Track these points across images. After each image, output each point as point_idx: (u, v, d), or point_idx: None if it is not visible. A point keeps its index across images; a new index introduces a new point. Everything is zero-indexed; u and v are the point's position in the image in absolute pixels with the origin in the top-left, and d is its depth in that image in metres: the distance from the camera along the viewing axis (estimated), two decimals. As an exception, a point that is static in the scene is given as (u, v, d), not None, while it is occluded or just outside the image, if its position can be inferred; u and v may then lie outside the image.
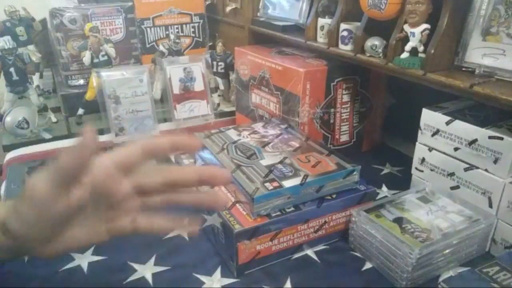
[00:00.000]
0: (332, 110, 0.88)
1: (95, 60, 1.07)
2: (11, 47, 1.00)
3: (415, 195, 0.68)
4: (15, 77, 1.01)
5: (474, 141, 0.61)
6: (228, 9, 1.20)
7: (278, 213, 0.59)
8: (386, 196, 0.76)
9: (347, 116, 0.91)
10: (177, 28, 1.27)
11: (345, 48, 0.79)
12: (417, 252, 0.53)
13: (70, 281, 0.58)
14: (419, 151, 0.71)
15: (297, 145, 0.73)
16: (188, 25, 1.29)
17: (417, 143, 0.71)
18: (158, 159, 0.41)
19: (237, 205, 0.61)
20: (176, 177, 0.40)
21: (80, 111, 1.10)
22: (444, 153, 0.67)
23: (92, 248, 0.64)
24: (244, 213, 0.60)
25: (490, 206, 0.61)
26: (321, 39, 0.86)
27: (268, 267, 0.60)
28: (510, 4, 0.57)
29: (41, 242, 0.38)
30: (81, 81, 1.17)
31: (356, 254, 0.63)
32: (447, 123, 0.65)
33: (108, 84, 1.00)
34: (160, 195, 0.41)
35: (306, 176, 0.62)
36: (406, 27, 0.66)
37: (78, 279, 0.58)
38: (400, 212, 0.63)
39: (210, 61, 1.16)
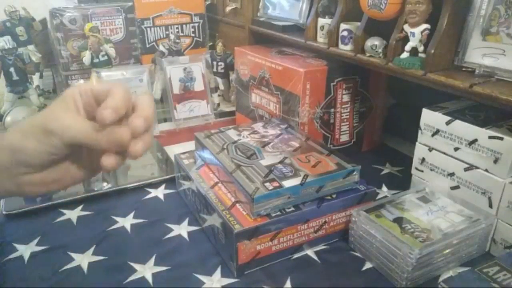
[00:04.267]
0: (332, 110, 0.88)
1: (95, 60, 1.07)
2: (11, 47, 1.00)
3: (415, 195, 0.68)
4: (15, 77, 1.01)
5: (474, 141, 0.61)
6: (228, 9, 1.20)
7: (278, 213, 0.59)
8: (386, 196, 0.76)
9: (347, 116, 0.91)
10: (177, 28, 1.27)
11: (345, 48, 0.79)
12: (417, 252, 0.53)
13: (70, 281, 0.58)
14: (419, 151, 0.71)
15: (297, 145, 0.73)
16: (188, 25, 1.29)
17: (417, 143, 0.71)
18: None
19: (237, 205, 0.61)
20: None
21: (80, 111, 1.10)
22: (444, 153, 0.67)
23: (92, 248, 0.64)
24: (244, 213, 0.60)
25: (490, 206, 0.61)
26: (321, 39, 0.86)
27: (268, 267, 0.60)
28: (510, 4, 0.57)
29: (35, 168, 0.38)
30: (81, 81, 1.17)
31: (356, 254, 0.63)
32: (447, 123, 0.65)
33: (108, 84, 0.99)
34: None
35: (306, 176, 0.62)
36: (406, 27, 0.66)
37: (78, 279, 0.58)
38: (400, 212, 0.63)
39: (210, 61, 1.16)
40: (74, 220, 0.71)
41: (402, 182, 0.78)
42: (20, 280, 0.58)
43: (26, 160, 0.38)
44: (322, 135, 0.89)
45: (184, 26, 1.28)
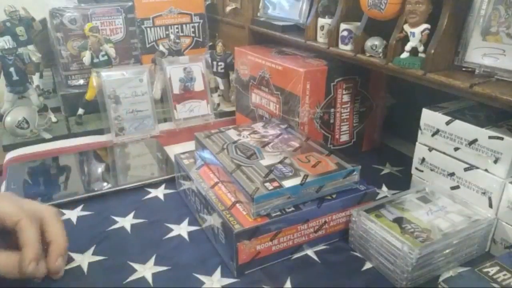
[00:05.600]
0: (332, 110, 0.88)
1: (95, 60, 1.07)
2: (11, 47, 1.00)
3: (415, 195, 0.68)
4: (15, 77, 1.01)
5: (474, 141, 0.61)
6: (228, 9, 1.20)
7: (278, 213, 0.59)
8: (386, 196, 0.76)
9: (347, 116, 0.91)
10: (177, 28, 1.27)
11: (345, 48, 0.79)
12: (417, 252, 0.53)
13: (70, 281, 0.58)
14: (419, 151, 0.71)
15: (297, 145, 0.73)
16: (188, 25, 1.29)
17: (417, 143, 0.71)
18: None
19: (237, 205, 0.61)
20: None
21: (80, 111, 1.10)
22: (444, 153, 0.67)
23: (92, 248, 0.64)
24: (244, 213, 0.60)
25: (490, 206, 0.61)
26: (321, 39, 0.86)
27: (268, 267, 0.60)
28: (510, 4, 0.57)
29: None
30: (81, 81, 1.17)
31: (356, 254, 0.63)
32: (447, 123, 0.65)
33: (108, 84, 1.00)
34: None
35: (306, 176, 0.62)
36: (406, 27, 0.66)
37: (78, 279, 0.58)
38: (400, 212, 0.63)
39: (210, 61, 1.16)
40: (74, 220, 0.71)
41: (402, 182, 0.78)
42: (20, 280, 0.58)
43: None
44: (322, 135, 0.89)
45: (184, 26, 1.28)
